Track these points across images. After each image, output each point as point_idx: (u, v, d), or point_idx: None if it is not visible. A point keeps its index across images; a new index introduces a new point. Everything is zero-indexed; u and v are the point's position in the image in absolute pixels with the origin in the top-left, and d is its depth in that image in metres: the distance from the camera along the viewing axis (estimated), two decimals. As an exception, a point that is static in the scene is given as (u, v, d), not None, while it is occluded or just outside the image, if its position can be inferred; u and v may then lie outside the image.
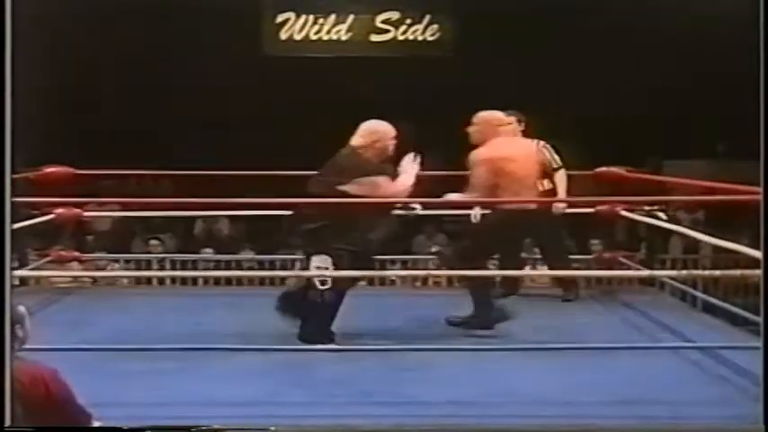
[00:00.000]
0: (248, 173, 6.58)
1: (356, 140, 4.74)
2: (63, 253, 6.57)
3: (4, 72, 1.97)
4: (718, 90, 10.50)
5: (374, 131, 4.77)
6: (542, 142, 5.92)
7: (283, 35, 11.99)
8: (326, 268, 4.45)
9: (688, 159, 10.72)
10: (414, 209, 5.20)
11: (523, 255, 6.32)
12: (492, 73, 10.77)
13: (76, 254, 6.79)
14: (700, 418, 3.42)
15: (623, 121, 10.63)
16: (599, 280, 6.73)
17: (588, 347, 4.29)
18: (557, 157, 5.99)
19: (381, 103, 11.03)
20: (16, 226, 2.51)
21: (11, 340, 2.22)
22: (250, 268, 8.19)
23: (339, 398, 3.71)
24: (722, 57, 10.18)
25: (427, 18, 11.99)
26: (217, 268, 8.20)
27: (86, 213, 6.64)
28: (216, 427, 2.47)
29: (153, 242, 9.45)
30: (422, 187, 4.86)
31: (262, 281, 7.35)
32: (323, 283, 4.47)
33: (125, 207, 9.14)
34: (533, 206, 5.01)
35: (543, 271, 6.51)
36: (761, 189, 2.15)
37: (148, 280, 7.83)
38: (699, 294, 6.09)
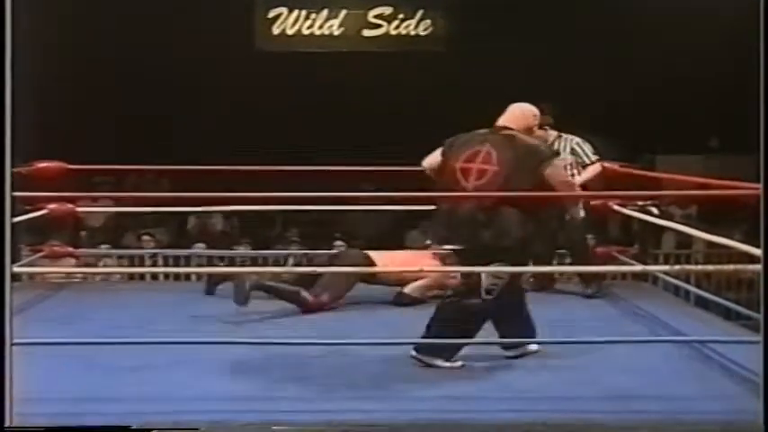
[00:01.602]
0: (242, 168, 6.56)
1: (520, 122, 4.27)
2: (56, 248, 6.55)
3: (3, 69, 1.97)
4: (711, 86, 10.54)
5: (536, 114, 4.37)
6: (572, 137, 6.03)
7: (276, 30, 11.99)
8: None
9: (681, 155, 10.76)
10: None
11: None
12: (485, 67, 10.78)
13: (69, 249, 6.77)
14: (695, 413, 3.43)
15: (617, 117, 10.65)
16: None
17: (582, 342, 4.29)
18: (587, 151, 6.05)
19: (374, 98, 11.13)
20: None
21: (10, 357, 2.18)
22: (243, 263, 8.20)
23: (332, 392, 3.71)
24: (717, 52, 10.23)
25: (420, 13, 12.00)
26: (210, 263, 8.20)
27: (80, 209, 6.63)
28: None
29: (145, 237, 9.45)
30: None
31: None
32: (489, 291, 4.05)
33: (119, 203, 9.13)
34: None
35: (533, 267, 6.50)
36: (761, 185, 2.15)
37: (141, 275, 7.82)
38: (692, 289, 6.11)
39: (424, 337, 4.12)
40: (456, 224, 4.14)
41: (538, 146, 4.24)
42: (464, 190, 4.13)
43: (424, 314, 4.25)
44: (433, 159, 4.38)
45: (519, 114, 4.33)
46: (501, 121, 4.31)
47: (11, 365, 2.13)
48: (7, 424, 2.05)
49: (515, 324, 4.22)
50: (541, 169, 4.08)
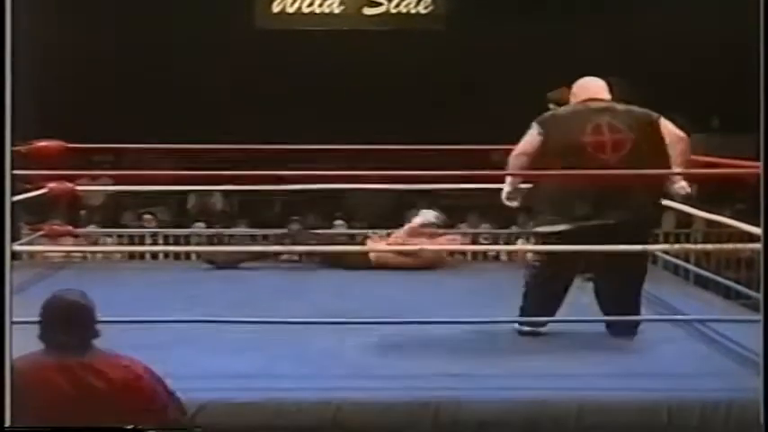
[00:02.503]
0: (243, 147, 6.56)
1: (605, 93, 4.37)
2: (56, 227, 6.55)
3: (4, 42, 1.95)
4: (714, 63, 10.51)
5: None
6: None
7: (276, 8, 11.95)
8: None
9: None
10: None
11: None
12: (485, 46, 10.75)
13: (69, 228, 6.77)
14: (694, 391, 3.44)
15: (620, 95, 10.62)
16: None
17: (584, 320, 4.30)
18: None
19: (374, 77, 11.11)
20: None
21: (10, 336, 2.19)
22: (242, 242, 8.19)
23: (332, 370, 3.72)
24: (720, 30, 10.20)
25: (420, -10, 11.97)
26: (210, 242, 8.20)
27: (80, 187, 6.62)
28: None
29: (146, 216, 9.45)
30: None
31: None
32: None
33: (119, 181, 9.13)
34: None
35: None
36: (761, 163, 2.15)
37: (141, 254, 7.82)
38: (692, 268, 6.11)
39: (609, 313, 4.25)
40: (603, 197, 4.10)
41: (641, 109, 4.28)
42: (605, 163, 4.11)
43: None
44: (531, 142, 4.26)
45: (597, 88, 4.38)
46: (590, 95, 4.33)
47: (11, 345, 2.12)
48: (7, 424, 2.04)
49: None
50: (657, 125, 4.17)
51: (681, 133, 4.25)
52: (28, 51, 2.46)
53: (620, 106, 4.31)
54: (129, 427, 2.67)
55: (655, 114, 4.27)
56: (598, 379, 3.62)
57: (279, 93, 11.21)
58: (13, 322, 2.75)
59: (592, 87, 4.40)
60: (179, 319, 4.17)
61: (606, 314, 4.28)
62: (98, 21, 10.87)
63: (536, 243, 4.46)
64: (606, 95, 4.37)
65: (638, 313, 4.29)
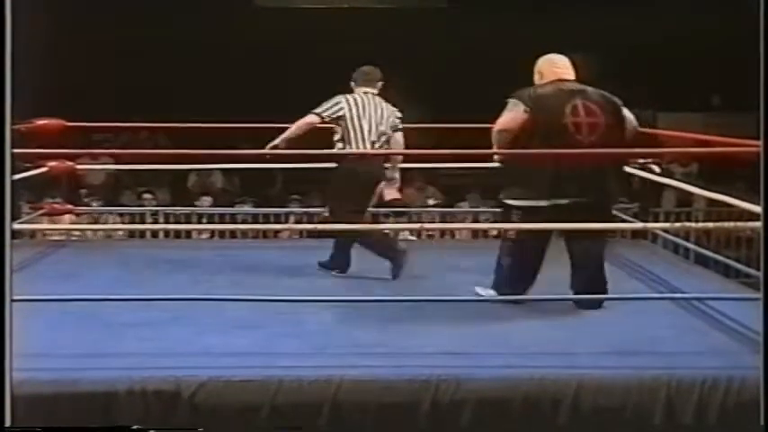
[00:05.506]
0: (243, 125, 6.55)
1: (572, 73, 4.43)
2: (56, 206, 6.56)
3: (4, 22, 1.95)
4: (713, 41, 10.48)
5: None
6: None
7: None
8: None
9: (682, 112, 10.73)
10: None
11: None
12: (487, 24, 10.71)
13: (69, 206, 6.77)
14: (694, 369, 3.45)
15: (619, 75, 10.59)
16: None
17: (583, 298, 4.31)
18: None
19: (374, 55, 11.06)
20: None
21: (10, 313, 2.16)
22: (244, 221, 8.21)
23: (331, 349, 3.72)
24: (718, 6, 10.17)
25: (421, -32, 11.93)
26: (210, 221, 8.20)
27: (80, 166, 6.62)
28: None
29: (146, 195, 9.46)
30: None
31: (255, 234, 7.35)
32: None
33: (119, 160, 9.13)
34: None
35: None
36: (761, 142, 2.15)
37: (142, 233, 7.83)
38: (691, 246, 6.11)
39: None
40: (580, 178, 4.20)
41: (608, 94, 4.36)
42: (580, 144, 4.20)
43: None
44: (515, 119, 4.27)
45: (565, 67, 4.41)
46: (560, 75, 4.37)
47: (11, 322, 2.13)
48: (7, 424, 2.04)
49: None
50: (621, 111, 4.32)
51: (636, 126, 4.41)
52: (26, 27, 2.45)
53: (591, 89, 4.36)
54: (128, 427, 2.67)
55: (619, 100, 4.37)
56: (597, 356, 3.63)
57: (278, 70, 11.19)
58: (13, 300, 2.77)
59: (561, 67, 4.43)
60: (179, 297, 4.18)
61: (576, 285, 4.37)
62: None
63: (504, 213, 4.43)
64: (572, 75, 4.41)
65: (605, 283, 4.36)
